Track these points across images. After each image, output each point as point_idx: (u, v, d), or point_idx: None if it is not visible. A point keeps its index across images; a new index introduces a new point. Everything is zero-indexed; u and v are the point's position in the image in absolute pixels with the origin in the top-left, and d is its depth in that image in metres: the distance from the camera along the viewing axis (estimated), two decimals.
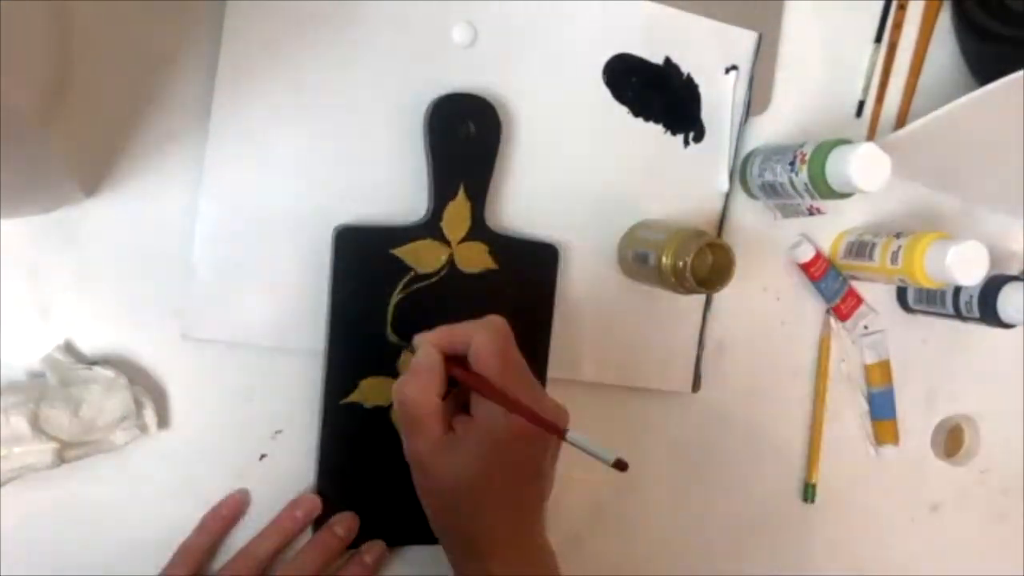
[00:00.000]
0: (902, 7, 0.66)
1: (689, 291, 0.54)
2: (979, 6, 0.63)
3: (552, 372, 0.58)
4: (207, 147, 0.50)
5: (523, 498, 0.48)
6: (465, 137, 0.52)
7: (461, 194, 0.53)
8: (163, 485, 0.51)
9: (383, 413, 0.53)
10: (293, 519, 0.52)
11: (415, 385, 0.47)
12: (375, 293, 0.52)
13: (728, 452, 0.65)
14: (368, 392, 0.52)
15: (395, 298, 0.52)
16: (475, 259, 0.54)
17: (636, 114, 0.58)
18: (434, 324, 0.50)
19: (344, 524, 0.53)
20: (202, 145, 0.50)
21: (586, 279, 0.59)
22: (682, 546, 0.64)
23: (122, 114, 0.49)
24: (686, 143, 0.60)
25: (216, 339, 0.51)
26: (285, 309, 0.52)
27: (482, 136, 0.53)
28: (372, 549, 0.54)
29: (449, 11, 0.53)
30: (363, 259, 0.51)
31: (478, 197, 0.53)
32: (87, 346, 0.50)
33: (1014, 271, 0.67)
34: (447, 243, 0.53)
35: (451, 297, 0.53)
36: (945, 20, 0.67)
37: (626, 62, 0.57)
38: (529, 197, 0.56)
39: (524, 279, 0.55)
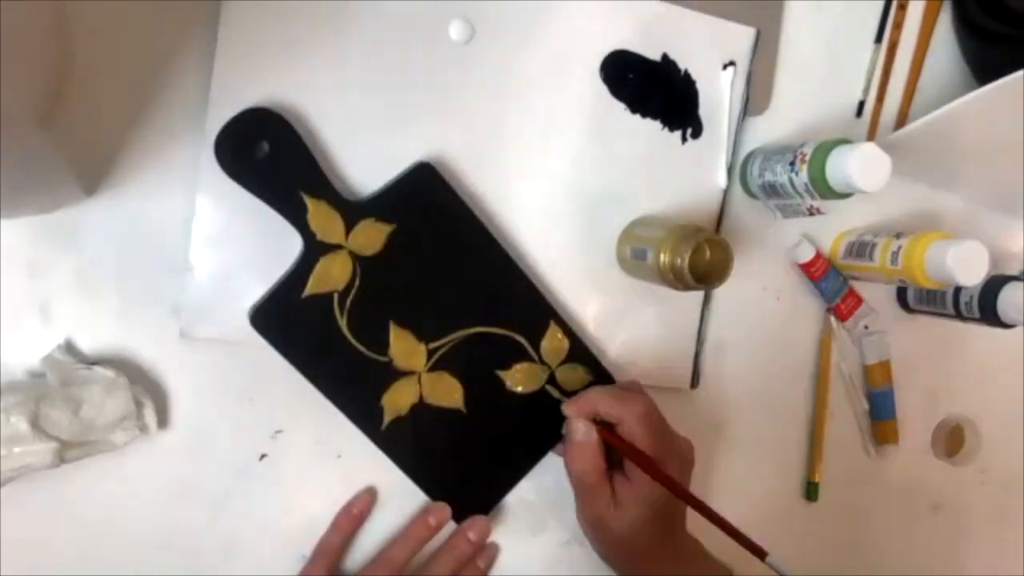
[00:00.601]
0: (902, 7, 0.66)
1: (687, 287, 0.53)
2: (979, 6, 0.63)
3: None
4: (204, 146, 0.50)
5: (675, 530, 0.56)
6: (264, 156, 0.49)
7: (309, 200, 0.50)
8: (163, 485, 0.51)
9: (422, 407, 0.54)
10: (427, 527, 0.55)
11: (582, 461, 0.53)
12: (325, 335, 0.51)
13: (728, 451, 0.65)
14: (394, 403, 0.53)
15: (342, 323, 0.51)
16: (373, 236, 0.52)
17: (634, 111, 0.58)
18: (388, 313, 0.52)
19: (476, 528, 0.56)
20: (202, 144, 0.50)
21: (584, 275, 0.59)
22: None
23: (122, 114, 0.49)
24: (684, 139, 0.60)
25: (215, 338, 0.51)
26: None
27: (278, 144, 0.49)
28: (486, 555, 0.58)
29: (447, 9, 0.53)
30: (289, 321, 0.50)
31: (326, 191, 0.50)
32: (87, 346, 0.50)
33: (1014, 271, 0.67)
34: (339, 247, 0.51)
35: (382, 281, 0.52)
36: (945, 20, 0.67)
37: (624, 58, 0.57)
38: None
39: (425, 210, 0.53)
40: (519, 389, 0.56)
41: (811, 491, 0.67)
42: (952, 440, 0.72)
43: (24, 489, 0.47)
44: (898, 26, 0.66)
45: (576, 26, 0.56)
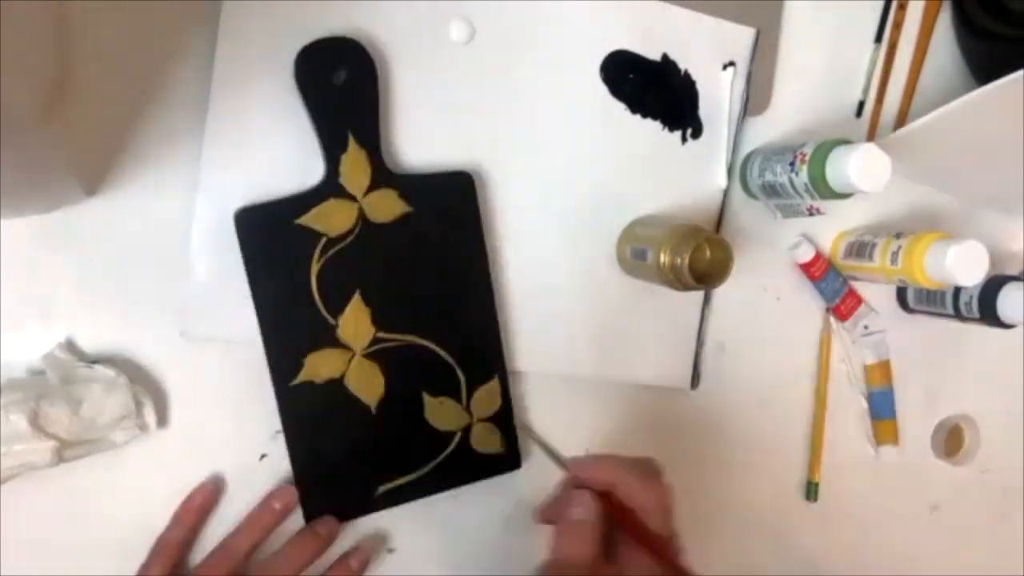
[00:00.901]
0: (902, 7, 0.66)
1: (687, 287, 0.53)
2: (979, 6, 0.63)
3: (551, 367, 0.58)
4: (204, 146, 0.50)
5: None
6: (339, 84, 0.50)
7: (352, 144, 0.50)
8: (163, 484, 0.51)
9: (338, 385, 0.52)
10: (272, 512, 0.52)
11: (578, 545, 0.45)
12: (293, 269, 0.50)
13: (728, 451, 0.65)
14: (315, 367, 0.51)
15: (314, 268, 0.50)
16: (387, 207, 0.51)
17: (634, 111, 0.58)
18: (361, 284, 0.51)
19: (327, 526, 0.53)
20: (202, 144, 0.50)
21: (584, 275, 0.59)
22: (682, 544, 0.64)
23: (122, 114, 0.49)
24: (684, 140, 0.60)
25: (215, 338, 0.51)
26: None
27: (356, 79, 0.50)
28: (359, 554, 0.54)
29: (447, 10, 0.53)
30: (269, 237, 0.49)
31: (371, 143, 0.51)
32: (87, 344, 0.50)
33: (1014, 271, 0.67)
34: (352, 198, 0.51)
35: (372, 252, 0.51)
36: (945, 20, 0.67)
37: (624, 59, 0.58)
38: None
39: (444, 214, 0.53)
40: (432, 421, 0.54)
41: (811, 491, 0.67)
42: (952, 440, 0.72)
43: (24, 488, 0.47)
44: (898, 26, 0.66)
45: (576, 26, 0.56)
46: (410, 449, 0.54)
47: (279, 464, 0.53)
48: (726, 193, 0.61)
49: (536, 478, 0.59)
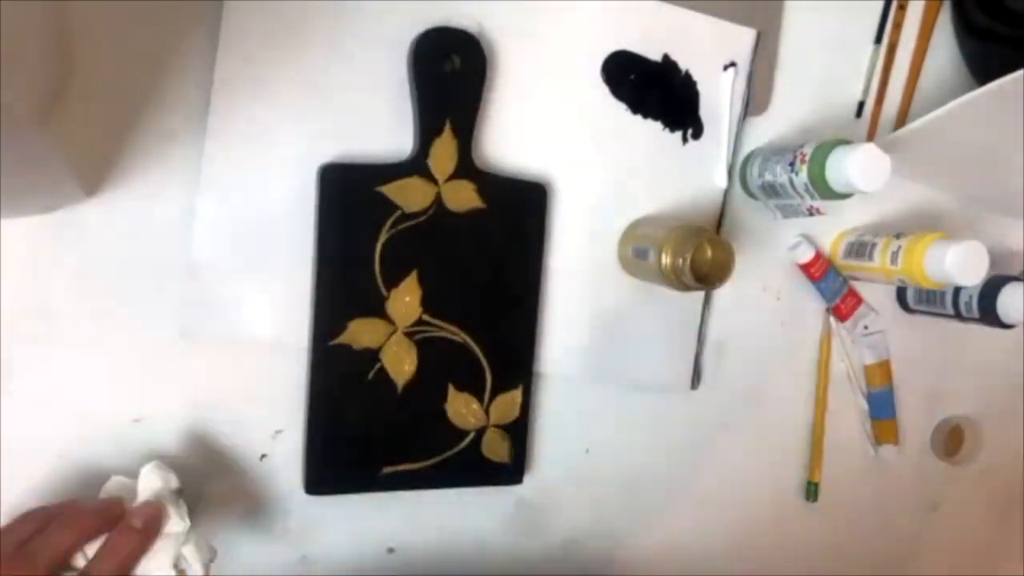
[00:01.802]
0: (902, 7, 0.66)
1: (688, 288, 0.54)
2: (979, 7, 0.63)
3: (551, 368, 0.58)
4: (205, 146, 0.50)
5: None
6: (451, 72, 0.52)
7: (447, 131, 0.52)
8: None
9: (373, 355, 0.53)
10: (131, 535, 0.44)
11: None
12: (362, 232, 0.51)
13: (728, 451, 0.65)
14: (357, 333, 0.52)
15: (382, 237, 0.51)
16: (463, 198, 0.53)
17: (635, 111, 0.58)
18: (422, 264, 0.52)
19: (144, 515, 0.45)
20: (202, 144, 0.50)
21: (585, 275, 0.59)
22: (683, 544, 0.65)
23: (122, 114, 0.49)
24: (685, 140, 0.60)
25: (216, 338, 0.51)
26: (285, 307, 0.52)
27: (467, 71, 0.52)
28: (142, 512, 0.45)
29: (450, 11, 0.53)
30: (349, 197, 0.51)
31: (465, 134, 0.53)
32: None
33: (1014, 271, 0.67)
34: (434, 181, 0.52)
35: (439, 237, 0.53)
36: (945, 20, 0.67)
37: (624, 59, 0.58)
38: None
39: (513, 219, 0.55)
40: (450, 414, 0.55)
41: (811, 491, 0.67)
42: (952, 440, 0.72)
43: (24, 483, 0.47)
44: (898, 27, 0.66)
45: (577, 27, 0.56)
46: (423, 437, 0.55)
47: (279, 464, 0.53)
48: (726, 193, 0.61)
49: (537, 479, 0.59)
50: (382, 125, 0.53)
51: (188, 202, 0.50)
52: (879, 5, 0.66)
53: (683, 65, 0.59)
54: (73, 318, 0.49)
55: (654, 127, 0.59)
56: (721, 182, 0.61)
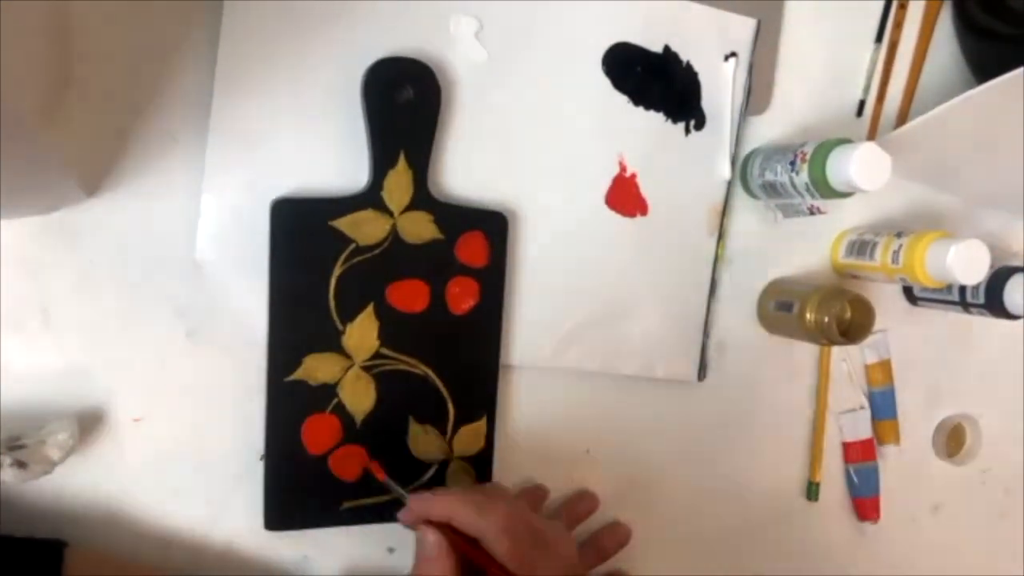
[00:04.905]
0: (903, 6, 0.66)
1: (832, 343, 0.58)
2: (979, 5, 0.63)
3: (557, 362, 0.58)
4: (208, 146, 0.50)
5: None
6: (404, 102, 0.51)
7: (402, 162, 0.51)
8: (165, 484, 0.51)
9: (330, 390, 0.52)
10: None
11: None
12: (315, 268, 0.50)
13: (729, 451, 0.65)
14: (313, 369, 0.51)
15: (337, 271, 0.51)
16: (419, 229, 0.52)
17: (636, 103, 0.58)
18: (379, 297, 0.51)
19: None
20: (202, 144, 0.50)
21: (590, 267, 0.59)
22: (685, 543, 0.64)
23: (122, 114, 0.49)
24: (687, 131, 0.60)
25: (222, 337, 0.51)
26: None
27: (421, 101, 0.51)
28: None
29: (451, 5, 0.53)
30: (301, 232, 0.50)
31: (420, 165, 0.52)
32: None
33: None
34: (389, 213, 0.51)
35: (395, 269, 0.52)
36: (946, 19, 0.67)
37: (626, 51, 0.57)
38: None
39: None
40: (412, 447, 0.54)
41: (812, 491, 0.67)
42: (953, 439, 0.72)
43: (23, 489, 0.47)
44: (898, 25, 0.66)
45: (577, 20, 0.56)
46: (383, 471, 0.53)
47: None
48: (730, 184, 0.61)
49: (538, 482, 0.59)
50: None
51: (188, 202, 0.50)
52: (880, 4, 0.66)
53: (684, 56, 0.59)
54: (73, 318, 0.49)
55: (656, 119, 0.59)
56: (724, 173, 0.61)
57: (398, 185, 0.51)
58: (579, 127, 0.57)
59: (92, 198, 0.49)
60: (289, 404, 0.51)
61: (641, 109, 0.58)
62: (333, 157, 0.52)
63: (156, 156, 0.50)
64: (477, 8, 0.54)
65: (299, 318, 0.50)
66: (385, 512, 0.52)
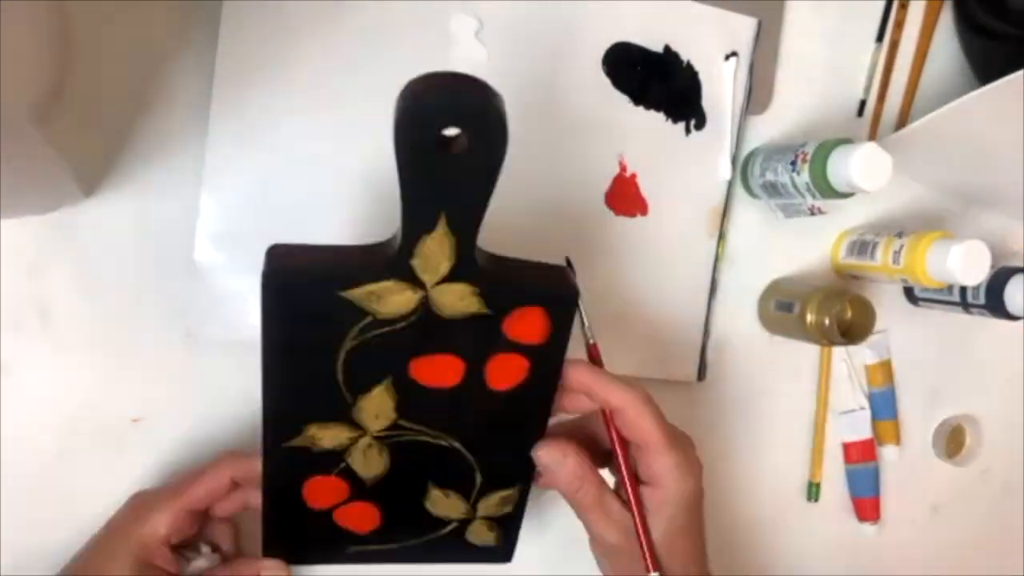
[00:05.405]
0: (903, 6, 0.66)
1: (833, 344, 0.58)
2: (980, 5, 0.63)
3: None
4: (207, 146, 0.50)
5: (703, 543, 0.48)
6: (452, 149, 0.35)
7: (442, 226, 0.37)
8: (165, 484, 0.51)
9: (337, 456, 0.45)
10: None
11: (571, 481, 0.45)
12: (320, 341, 0.40)
13: (729, 451, 0.65)
14: (316, 437, 0.44)
15: (347, 345, 0.40)
16: (457, 303, 0.40)
17: (637, 103, 0.58)
18: (397, 373, 0.42)
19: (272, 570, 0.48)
20: (202, 144, 0.50)
21: (588, 266, 0.58)
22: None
23: (122, 114, 0.49)
24: (687, 131, 0.60)
25: (221, 338, 0.51)
26: None
27: (477, 150, 0.35)
28: None
29: (451, 5, 0.53)
30: (302, 304, 0.39)
31: (467, 229, 0.38)
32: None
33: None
34: (421, 286, 0.39)
35: (422, 345, 0.41)
36: (947, 19, 0.67)
37: (626, 50, 0.57)
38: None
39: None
40: (431, 509, 0.48)
41: (812, 491, 0.67)
42: (953, 440, 0.72)
43: (23, 482, 0.47)
44: (899, 25, 0.66)
45: (577, 19, 0.56)
46: (397, 525, 0.49)
47: None
48: (731, 184, 0.61)
49: None
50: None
51: (188, 202, 0.50)
52: (880, 4, 0.66)
53: (684, 56, 0.59)
54: (73, 318, 0.49)
55: (656, 118, 0.59)
56: (725, 173, 0.61)
57: (434, 255, 0.38)
58: (579, 127, 0.57)
59: (91, 198, 0.49)
60: (287, 468, 0.45)
61: (641, 109, 0.58)
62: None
63: (155, 156, 0.50)
64: (477, 8, 0.54)
65: (299, 390, 0.42)
66: (397, 557, 0.50)
